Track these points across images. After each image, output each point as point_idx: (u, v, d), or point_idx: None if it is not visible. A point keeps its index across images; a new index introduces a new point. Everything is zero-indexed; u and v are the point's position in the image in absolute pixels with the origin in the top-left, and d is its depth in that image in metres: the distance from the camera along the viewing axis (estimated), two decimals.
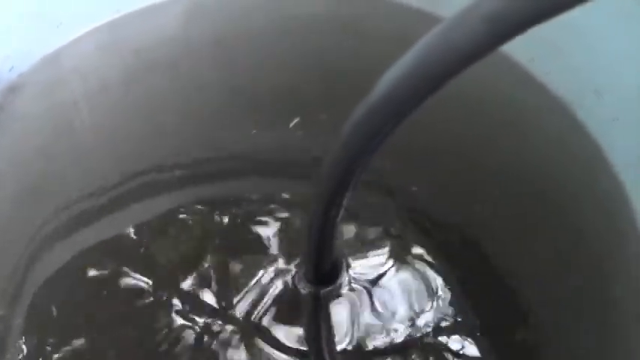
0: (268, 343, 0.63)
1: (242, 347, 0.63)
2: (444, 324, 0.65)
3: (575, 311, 0.61)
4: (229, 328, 0.64)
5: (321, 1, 0.74)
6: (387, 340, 0.63)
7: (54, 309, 0.65)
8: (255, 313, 0.65)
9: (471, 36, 0.29)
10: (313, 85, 0.76)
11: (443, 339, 0.64)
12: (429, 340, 0.63)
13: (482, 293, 0.66)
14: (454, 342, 0.64)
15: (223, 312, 0.65)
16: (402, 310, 0.64)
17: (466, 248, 0.70)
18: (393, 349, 0.63)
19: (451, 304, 0.65)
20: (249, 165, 0.77)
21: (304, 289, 0.62)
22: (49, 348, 0.63)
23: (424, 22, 0.70)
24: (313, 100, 0.76)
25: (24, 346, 0.62)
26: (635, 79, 0.59)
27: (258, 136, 0.76)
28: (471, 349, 0.63)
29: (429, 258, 0.68)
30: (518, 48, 0.66)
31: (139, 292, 0.66)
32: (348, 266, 0.65)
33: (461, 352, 0.63)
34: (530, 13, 0.28)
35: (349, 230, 0.70)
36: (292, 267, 0.67)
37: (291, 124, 0.73)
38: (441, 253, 0.69)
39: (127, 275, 0.67)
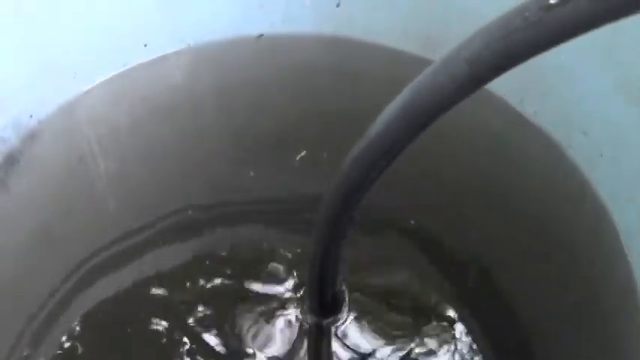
0: None
1: None
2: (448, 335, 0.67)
3: (575, 324, 0.63)
4: None
5: (317, 48, 0.77)
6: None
7: (75, 350, 0.67)
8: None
9: (455, 77, 0.32)
10: (311, 129, 0.79)
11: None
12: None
13: (484, 311, 0.69)
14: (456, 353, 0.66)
15: (237, 349, 0.67)
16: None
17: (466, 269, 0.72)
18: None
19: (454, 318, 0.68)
20: (251, 207, 0.79)
21: (308, 320, 0.65)
22: None
23: (417, 65, 0.73)
24: (311, 142, 0.79)
25: None
26: (617, 117, 0.62)
27: (257, 178, 0.78)
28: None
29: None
30: (509, 90, 0.70)
31: (157, 335, 0.68)
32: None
33: None
34: (507, 56, 0.31)
35: None
36: (299, 303, 0.69)
37: (298, 157, 0.76)
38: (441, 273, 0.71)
39: (146, 320, 0.69)
